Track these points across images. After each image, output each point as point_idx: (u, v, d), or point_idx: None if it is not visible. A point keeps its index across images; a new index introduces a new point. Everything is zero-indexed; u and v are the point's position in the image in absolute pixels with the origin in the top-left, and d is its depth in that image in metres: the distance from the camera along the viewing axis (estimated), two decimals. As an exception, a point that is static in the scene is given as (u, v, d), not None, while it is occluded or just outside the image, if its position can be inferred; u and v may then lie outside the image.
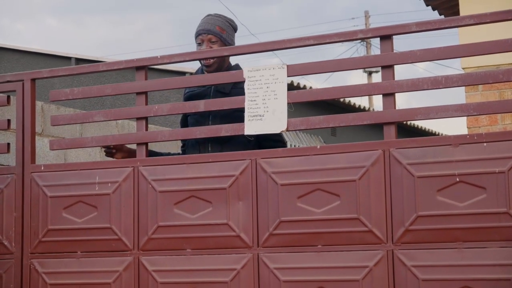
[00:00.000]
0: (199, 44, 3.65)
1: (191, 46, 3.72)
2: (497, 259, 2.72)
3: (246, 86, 3.19)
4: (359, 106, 14.41)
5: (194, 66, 13.98)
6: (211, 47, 3.61)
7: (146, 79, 3.40)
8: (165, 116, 6.35)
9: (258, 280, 3.04)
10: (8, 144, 3.64)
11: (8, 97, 3.64)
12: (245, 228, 3.08)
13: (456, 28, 4.13)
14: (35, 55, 13.22)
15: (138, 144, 3.38)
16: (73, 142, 3.73)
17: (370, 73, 22.48)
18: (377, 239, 2.89)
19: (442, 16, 6.80)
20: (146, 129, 3.38)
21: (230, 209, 3.11)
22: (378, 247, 2.89)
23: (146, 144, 3.37)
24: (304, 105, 10.77)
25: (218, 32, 3.63)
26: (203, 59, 3.56)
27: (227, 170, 3.14)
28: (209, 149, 3.54)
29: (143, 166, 3.29)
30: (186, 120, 3.73)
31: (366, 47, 22.50)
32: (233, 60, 3.77)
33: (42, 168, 3.50)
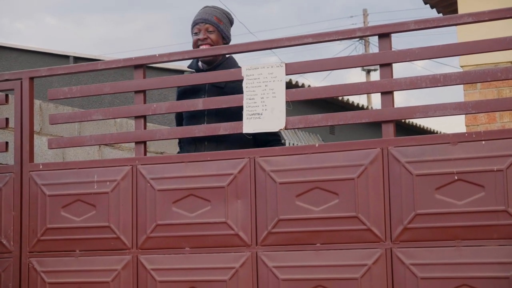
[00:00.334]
0: (195, 34, 3.68)
1: (190, 44, 3.72)
2: (496, 257, 2.72)
3: (244, 84, 3.19)
4: (358, 104, 14.39)
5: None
6: (208, 37, 3.64)
7: (144, 77, 3.41)
8: (164, 114, 6.34)
9: (256, 279, 3.04)
10: (7, 142, 3.64)
11: (7, 95, 3.64)
12: (244, 226, 3.08)
13: (454, 26, 4.14)
14: (34, 53, 13.17)
15: (136, 142, 3.38)
16: (72, 140, 3.72)
17: (368, 71, 22.47)
18: (375, 237, 2.89)
19: (441, 14, 6.79)
20: (145, 128, 3.38)
21: (228, 207, 3.10)
22: (377, 245, 2.89)
23: (145, 142, 3.38)
24: (303, 104, 10.76)
25: (215, 22, 3.66)
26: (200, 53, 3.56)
27: (225, 168, 3.14)
28: (205, 144, 3.54)
29: (141, 164, 3.29)
30: (181, 114, 3.74)
31: (365, 45, 22.48)
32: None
33: (41, 166, 3.49)
